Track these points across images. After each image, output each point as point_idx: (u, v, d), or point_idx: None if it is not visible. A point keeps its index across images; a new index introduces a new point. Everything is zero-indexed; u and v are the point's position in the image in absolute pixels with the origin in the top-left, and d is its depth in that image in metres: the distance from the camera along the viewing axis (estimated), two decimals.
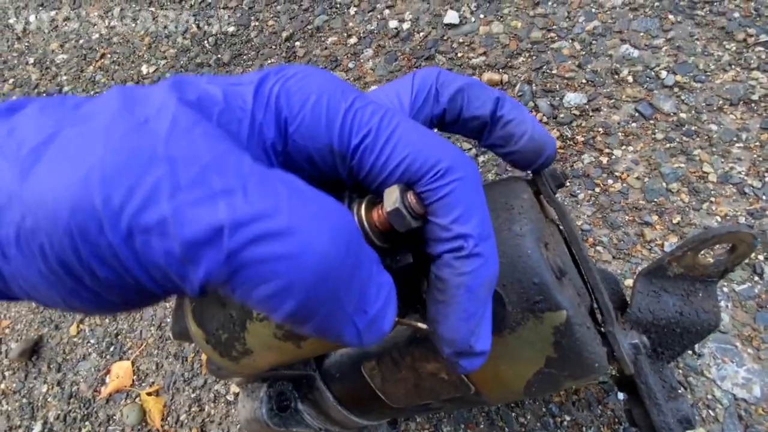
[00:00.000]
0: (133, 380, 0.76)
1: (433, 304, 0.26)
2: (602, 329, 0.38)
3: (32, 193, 0.15)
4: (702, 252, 0.44)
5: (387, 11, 0.93)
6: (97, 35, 1.16)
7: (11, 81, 1.18)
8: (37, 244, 0.15)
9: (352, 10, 0.96)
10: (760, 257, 0.60)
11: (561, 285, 0.32)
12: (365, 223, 0.27)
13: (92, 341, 0.82)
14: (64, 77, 1.13)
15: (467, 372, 0.26)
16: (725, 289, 0.59)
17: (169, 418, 0.72)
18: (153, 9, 1.15)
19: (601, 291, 0.37)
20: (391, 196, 0.26)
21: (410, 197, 0.26)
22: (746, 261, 0.60)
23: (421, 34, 0.89)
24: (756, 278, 0.59)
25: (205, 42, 1.04)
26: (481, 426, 0.60)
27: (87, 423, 0.75)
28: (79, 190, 0.15)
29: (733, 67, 0.71)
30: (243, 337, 0.30)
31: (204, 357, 0.75)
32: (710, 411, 0.54)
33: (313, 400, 0.44)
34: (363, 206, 0.27)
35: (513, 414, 0.59)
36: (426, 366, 0.37)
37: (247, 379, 0.43)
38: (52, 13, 1.25)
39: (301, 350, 0.30)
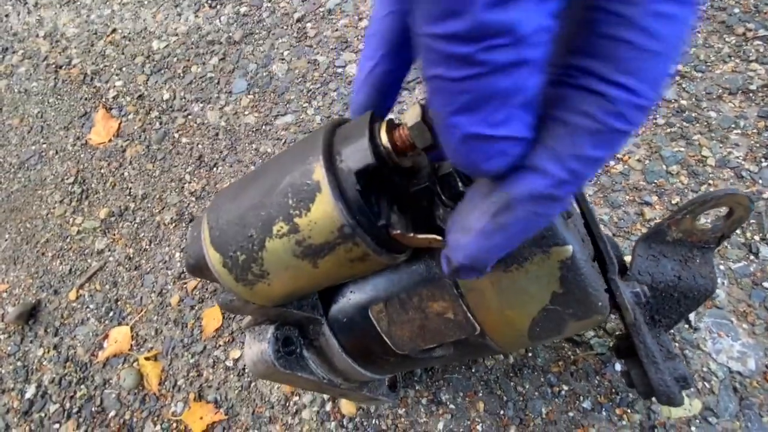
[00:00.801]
0: (131, 345, 0.76)
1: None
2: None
3: None
4: (699, 216, 0.45)
5: None
6: (108, 10, 1.17)
7: (20, 52, 1.18)
8: None
9: None
10: (756, 237, 0.61)
11: (567, 224, 0.33)
12: (387, 144, 0.28)
13: (91, 306, 0.82)
14: (74, 50, 1.14)
15: (465, 277, 0.26)
16: (722, 267, 0.61)
17: (166, 383, 0.72)
18: None
19: (603, 240, 0.38)
20: (413, 113, 0.27)
21: (431, 113, 0.27)
22: (742, 241, 0.62)
23: None
24: (751, 257, 0.60)
25: (217, 21, 1.06)
26: (480, 394, 0.60)
27: (82, 386, 0.75)
28: None
29: (732, 58, 0.74)
30: (261, 256, 0.31)
31: (204, 313, 0.75)
32: (706, 383, 0.55)
33: (319, 348, 0.45)
34: (384, 127, 0.29)
35: (511, 383, 0.60)
36: (433, 305, 0.38)
37: (255, 320, 0.43)
38: None
39: (316, 271, 0.31)
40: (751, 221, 0.62)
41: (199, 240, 0.35)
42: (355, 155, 0.27)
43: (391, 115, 0.83)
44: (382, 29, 0.29)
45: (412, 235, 0.28)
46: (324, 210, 0.28)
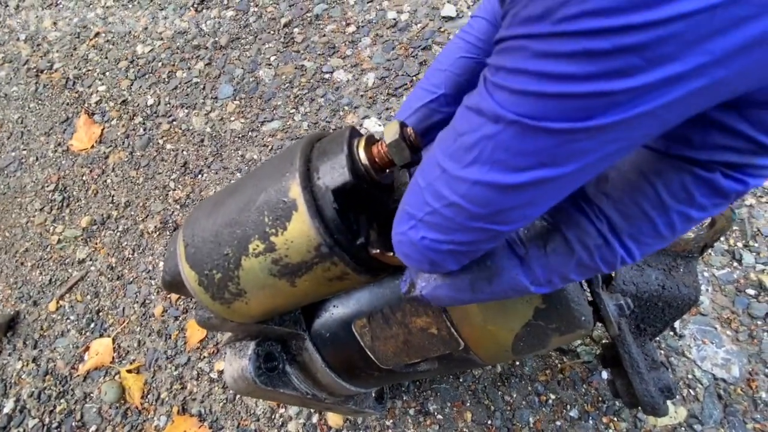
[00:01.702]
0: (113, 357, 0.75)
1: None
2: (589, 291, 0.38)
3: None
4: None
5: (386, 2, 0.95)
6: (92, 14, 1.15)
7: (0, 56, 1.16)
8: None
9: (352, 0, 0.97)
10: (739, 244, 0.62)
11: None
12: (365, 160, 0.27)
13: (72, 318, 0.80)
14: (56, 54, 1.11)
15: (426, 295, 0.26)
16: (706, 274, 0.61)
17: (149, 396, 0.70)
18: None
19: None
20: (391, 130, 0.26)
21: (409, 131, 0.27)
22: (726, 248, 0.62)
23: (419, 25, 0.90)
24: (735, 264, 0.61)
25: (203, 25, 1.05)
26: (468, 404, 0.60)
27: (62, 401, 0.73)
28: None
29: None
30: (237, 275, 0.30)
31: (189, 324, 0.73)
32: (691, 390, 0.56)
33: (302, 363, 0.44)
34: (362, 143, 0.28)
35: (499, 392, 0.60)
36: (416, 321, 0.37)
37: (236, 336, 0.42)
38: None
39: (294, 290, 0.30)
40: (735, 228, 0.63)
41: (175, 256, 0.34)
42: (333, 173, 0.27)
43: (377, 122, 0.82)
44: (452, 69, 0.29)
45: (391, 254, 0.27)
46: (300, 229, 0.27)
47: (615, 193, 0.20)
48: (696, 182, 0.19)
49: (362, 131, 0.82)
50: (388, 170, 0.28)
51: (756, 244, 0.61)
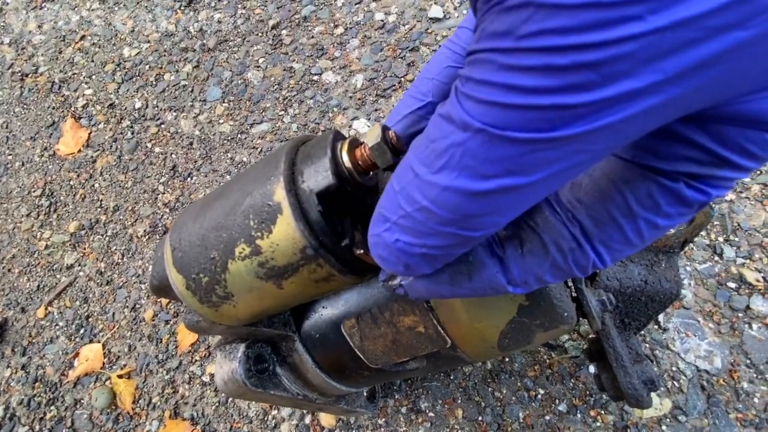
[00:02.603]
0: (103, 363, 0.74)
1: None
2: (572, 288, 0.39)
3: None
4: None
5: (373, 4, 0.95)
6: (77, 17, 1.14)
7: None
8: None
9: (340, 2, 0.98)
10: (720, 238, 0.63)
11: None
12: (349, 164, 0.28)
13: (61, 324, 0.79)
14: (41, 58, 1.10)
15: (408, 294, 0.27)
16: (688, 268, 0.62)
17: (140, 401, 0.70)
18: None
19: None
20: (373, 134, 0.27)
21: (391, 134, 0.27)
22: (707, 242, 0.64)
23: (406, 26, 0.91)
24: (716, 258, 0.62)
25: (190, 27, 1.04)
26: (459, 401, 0.61)
27: (53, 408, 0.72)
28: None
29: None
30: (224, 278, 0.30)
31: (179, 328, 0.73)
32: (675, 382, 0.57)
33: (292, 364, 0.44)
34: (346, 146, 0.28)
35: (489, 389, 0.61)
36: (404, 320, 0.37)
37: (225, 339, 0.42)
38: None
39: (281, 292, 0.30)
40: (715, 223, 0.64)
41: (163, 261, 0.34)
42: (317, 176, 0.27)
43: (367, 123, 0.83)
44: (439, 78, 0.30)
45: (362, 251, 0.28)
46: (286, 232, 0.27)
47: (587, 199, 0.21)
48: (661, 191, 0.19)
49: (351, 132, 0.83)
50: (371, 173, 0.28)
51: (736, 239, 0.63)
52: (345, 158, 0.28)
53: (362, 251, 0.28)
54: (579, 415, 0.57)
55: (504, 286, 0.24)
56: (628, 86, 0.14)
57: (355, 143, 0.29)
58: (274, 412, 0.64)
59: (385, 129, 0.27)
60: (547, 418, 0.58)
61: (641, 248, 0.22)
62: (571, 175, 0.17)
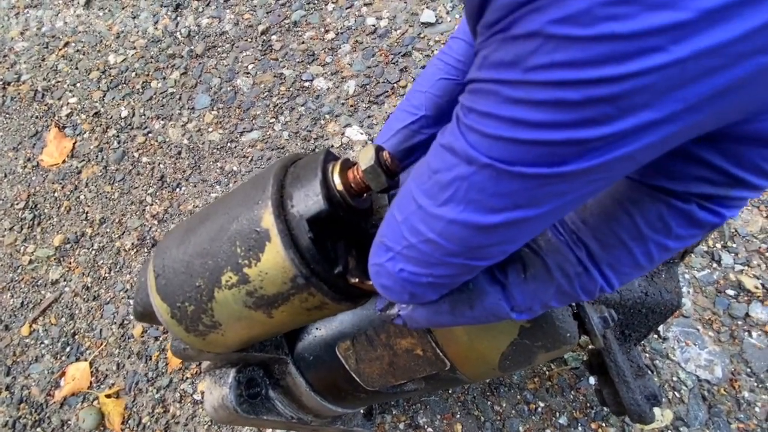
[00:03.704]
0: (90, 382, 0.72)
1: None
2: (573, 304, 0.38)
3: None
4: None
5: (365, 8, 0.94)
6: (60, 23, 1.11)
7: None
8: None
9: (330, 7, 0.96)
10: (718, 245, 0.63)
11: None
12: (340, 186, 0.26)
13: (46, 342, 0.76)
14: (24, 66, 1.07)
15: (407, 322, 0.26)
16: (686, 276, 0.62)
17: (130, 421, 0.68)
18: None
19: None
20: (367, 155, 0.25)
21: (385, 156, 0.26)
22: (705, 249, 0.63)
23: (398, 31, 0.90)
24: (714, 265, 0.62)
25: (177, 33, 1.02)
26: (458, 415, 0.59)
27: (39, 430, 0.70)
28: None
29: None
30: (210, 307, 0.29)
31: (169, 345, 0.71)
32: (676, 392, 0.56)
33: (285, 387, 0.43)
34: (337, 168, 0.27)
35: (488, 402, 0.59)
36: (401, 342, 0.36)
37: (215, 363, 0.41)
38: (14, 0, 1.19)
39: (271, 321, 0.29)
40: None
41: (146, 287, 0.32)
42: (307, 200, 0.26)
43: (359, 130, 0.81)
44: (432, 91, 0.29)
45: (371, 282, 0.26)
46: (275, 260, 0.26)
47: (592, 221, 0.20)
48: (672, 213, 0.18)
49: (344, 140, 0.82)
50: (365, 195, 0.27)
51: (734, 245, 0.62)
52: (337, 181, 0.26)
53: (357, 279, 0.26)
54: (580, 428, 0.56)
55: (507, 314, 0.23)
56: (647, 117, 0.13)
57: (347, 164, 0.27)
58: (269, 430, 0.63)
59: (378, 150, 0.25)
60: (548, 431, 0.57)
61: (649, 270, 0.21)
62: (584, 201, 0.17)
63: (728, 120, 0.15)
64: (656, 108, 0.13)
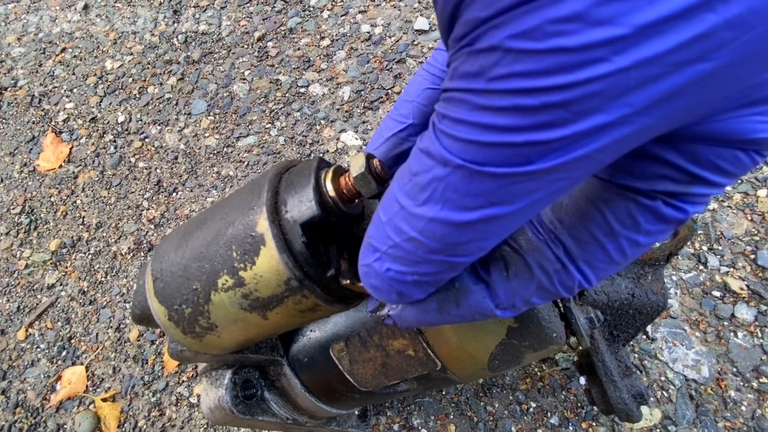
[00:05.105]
0: (86, 386, 0.72)
1: None
2: (560, 306, 0.39)
3: None
4: None
5: (359, 16, 0.96)
6: (58, 29, 1.12)
7: None
8: None
9: (326, 14, 0.98)
10: (704, 247, 0.64)
11: None
12: (333, 193, 0.27)
13: (42, 346, 0.77)
14: (21, 71, 1.08)
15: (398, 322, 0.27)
16: (674, 278, 0.63)
17: (126, 425, 0.68)
18: (119, 4, 1.12)
19: None
20: (357, 163, 0.27)
21: (375, 163, 0.27)
22: (691, 251, 0.65)
23: (393, 38, 0.91)
24: (701, 267, 0.63)
25: (174, 39, 1.03)
26: (451, 416, 0.60)
27: None
28: None
29: None
30: (207, 310, 0.30)
31: (166, 348, 0.72)
32: (664, 392, 0.57)
33: (280, 388, 0.44)
34: (330, 174, 0.28)
35: (481, 403, 0.60)
36: (393, 343, 0.37)
37: (212, 365, 0.41)
38: (10, 5, 1.19)
39: (266, 322, 0.30)
40: (699, 232, 0.65)
41: (144, 290, 0.33)
42: (300, 206, 0.27)
43: (354, 135, 0.82)
44: (419, 100, 0.31)
45: (362, 284, 0.27)
46: (269, 263, 0.27)
47: (568, 219, 0.21)
48: (640, 210, 0.20)
49: (339, 145, 0.83)
50: (356, 200, 0.28)
51: (720, 247, 0.64)
52: (329, 187, 0.27)
53: (348, 281, 0.27)
54: (571, 428, 0.57)
55: (492, 311, 0.24)
56: (599, 120, 0.14)
57: (339, 171, 0.28)
58: None
59: (369, 158, 0.27)
60: (540, 431, 0.58)
61: (625, 266, 0.22)
62: (553, 199, 0.18)
63: (680, 122, 0.16)
64: (607, 112, 0.14)
